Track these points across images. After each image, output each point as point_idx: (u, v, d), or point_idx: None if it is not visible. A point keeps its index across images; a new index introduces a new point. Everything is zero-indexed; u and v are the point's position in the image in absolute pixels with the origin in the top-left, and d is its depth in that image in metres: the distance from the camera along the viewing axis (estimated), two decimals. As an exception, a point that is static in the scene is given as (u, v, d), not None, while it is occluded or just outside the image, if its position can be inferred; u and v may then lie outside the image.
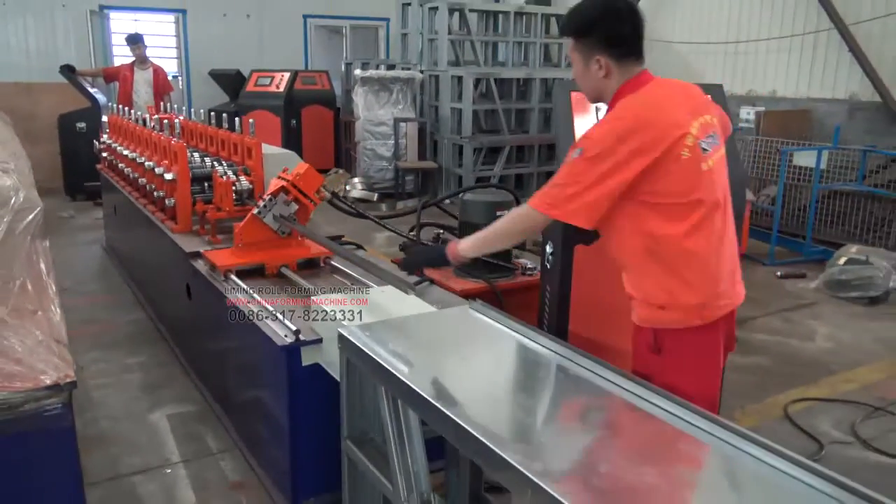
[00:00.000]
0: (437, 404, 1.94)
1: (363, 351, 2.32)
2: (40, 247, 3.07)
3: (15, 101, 9.18)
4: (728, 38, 9.62)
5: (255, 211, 3.62)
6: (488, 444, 1.73)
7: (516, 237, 2.39)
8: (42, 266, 2.96)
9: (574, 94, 3.13)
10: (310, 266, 3.67)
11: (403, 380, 2.08)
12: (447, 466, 2.81)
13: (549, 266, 3.16)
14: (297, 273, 3.52)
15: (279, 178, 3.60)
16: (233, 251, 3.64)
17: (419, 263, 2.47)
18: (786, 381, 4.29)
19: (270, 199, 3.59)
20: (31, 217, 2.94)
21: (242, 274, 3.46)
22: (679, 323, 2.16)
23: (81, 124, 9.00)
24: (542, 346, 2.35)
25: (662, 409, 1.90)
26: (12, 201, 2.91)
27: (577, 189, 2.07)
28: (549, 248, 3.18)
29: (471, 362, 2.31)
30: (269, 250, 3.62)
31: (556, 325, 2.99)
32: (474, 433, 1.78)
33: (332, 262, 3.69)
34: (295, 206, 3.63)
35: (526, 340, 2.40)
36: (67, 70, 8.95)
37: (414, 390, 2.03)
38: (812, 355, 4.73)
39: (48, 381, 2.22)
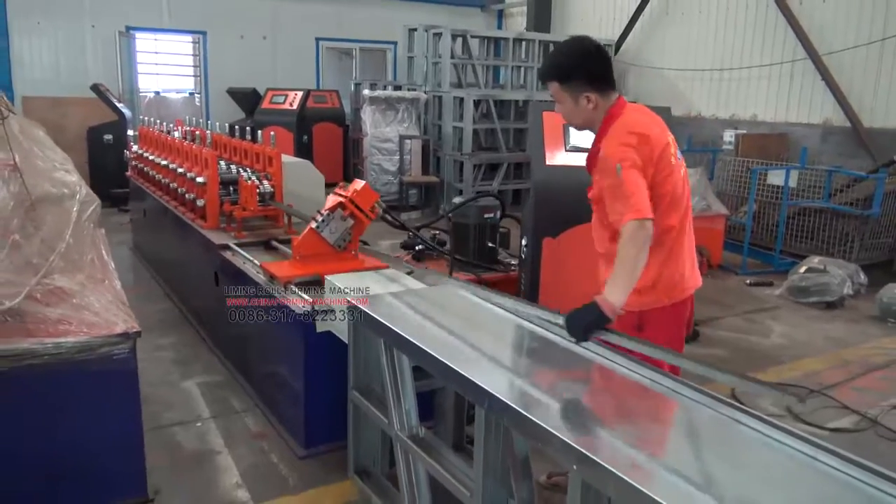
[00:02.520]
0: (421, 346, 2.53)
1: (367, 313, 2.92)
2: (99, 233, 3.68)
3: (46, 114, 9.87)
4: (713, 65, 10.28)
5: (313, 225, 3.83)
6: (458, 370, 2.33)
7: (642, 254, 2.39)
8: (102, 248, 3.57)
9: (546, 114, 3.75)
10: None
11: (397, 331, 2.68)
12: (435, 423, 3.39)
13: (524, 256, 3.77)
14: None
15: (336, 194, 3.83)
16: (291, 263, 3.85)
17: (582, 330, 2.43)
18: (738, 368, 4.82)
19: (328, 215, 3.79)
20: (92, 208, 3.56)
21: (301, 285, 3.61)
22: (658, 303, 2.62)
23: (108, 136, 9.70)
24: (508, 309, 2.94)
25: (594, 352, 2.49)
26: (78, 195, 3.54)
27: (640, 190, 2.41)
28: (524, 242, 3.79)
29: (450, 320, 2.89)
30: (327, 263, 3.74)
31: (530, 300, 3.58)
32: (448, 363, 2.38)
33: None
34: (351, 222, 3.82)
35: (493, 307, 2.99)
36: None
37: (403, 337, 2.63)
38: (766, 349, 5.30)
39: (119, 330, 2.82)
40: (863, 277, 6.50)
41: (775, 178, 7.74)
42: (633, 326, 2.62)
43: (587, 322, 2.41)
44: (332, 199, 3.82)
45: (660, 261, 2.57)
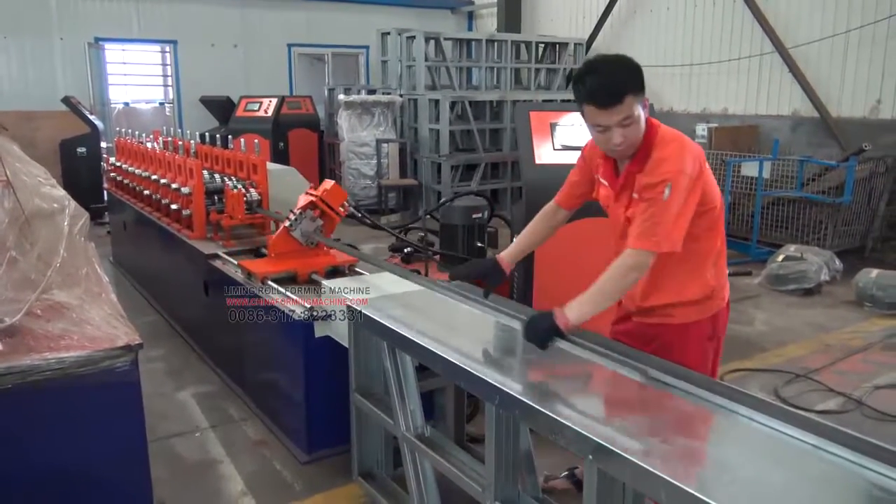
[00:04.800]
0: (426, 345, 2.57)
1: (367, 315, 2.95)
2: (90, 246, 3.66)
3: (16, 129, 9.72)
4: (683, 60, 10.46)
5: (286, 224, 4.00)
6: (466, 368, 2.37)
7: (629, 286, 2.41)
8: (94, 261, 3.55)
9: (533, 114, 3.81)
10: (336, 273, 3.99)
11: (400, 331, 2.72)
12: (436, 423, 3.43)
13: (515, 255, 3.81)
14: (326, 279, 3.90)
15: (307, 194, 3.99)
16: (267, 261, 4.06)
17: (537, 338, 2.44)
18: (725, 356, 4.87)
19: (300, 214, 3.96)
20: (82, 222, 3.53)
21: (277, 281, 3.80)
22: (718, 307, 2.59)
23: (82, 149, 9.59)
24: (498, 310, 2.96)
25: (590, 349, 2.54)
26: (67, 209, 3.52)
27: (674, 220, 2.29)
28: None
29: (447, 320, 2.93)
30: (300, 259, 3.98)
31: (523, 301, 3.63)
32: (455, 361, 2.42)
33: (357, 270, 4.06)
34: (321, 221, 4.02)
35: (478, 308, 3.00)
36: None
37: (408, 338, 2.67)
38: (750, 337, 5.42)
39: (121, 343, 2.81)
40: (838, 264, 6.68)
41: (749, 169, 7.91)
42: (708, 336, 2.61)
43: (541, 331, 2.42)
44: (303, 199, 3.98)
45: (706, 272, 2.53)
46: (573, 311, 2.36)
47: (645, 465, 1.72)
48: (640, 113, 2.35)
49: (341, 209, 3.99)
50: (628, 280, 2.36)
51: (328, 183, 4.01)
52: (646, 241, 2.31)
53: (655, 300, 2.57)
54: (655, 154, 2.37)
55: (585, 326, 2.54)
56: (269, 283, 3.80)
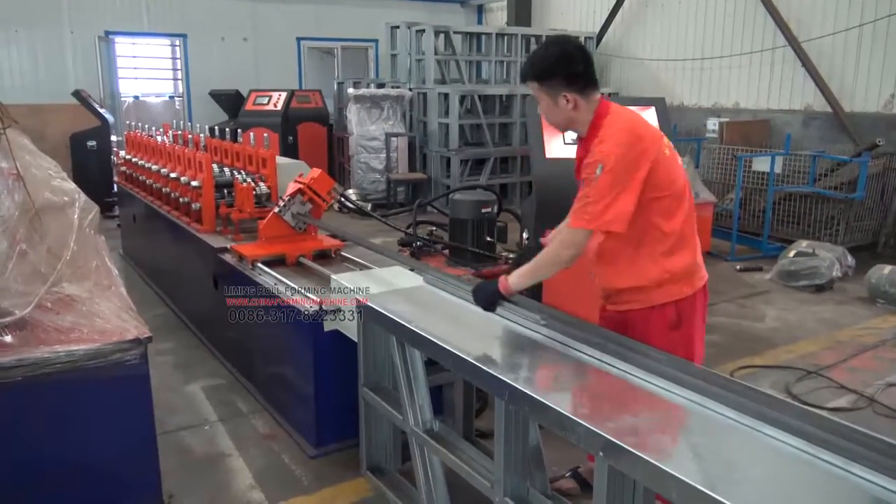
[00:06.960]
0: (435, 340, 2.56)
1: (377, 311, 2.94)
2: (99, 240, 3.66)
3: (25, 121, 9.72)
4: (694, 55, 10.37)
5: (276, 210, 4.24)
6: (476, 363, 2.36)
7: (566, 263, 2.53)
8: (104, 254, 3.56)
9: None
10: (323, 257, 4.27)
11: (410, 326, 2.71)
12: (444, 418, 3.42)
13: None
14: (313, 262, 4.13)
15: (296, 181, 4.22)
16: (257, 244, 4.25)
17: (483, 301, 2.73)
18: (736, 353, 4.93)
19: (289, 200, 4.20)
20: (91, 215, 3.54)
21: (266, 263, 4.05)
22: (681, 293, 2.62)
23: (92, 142, 9.60)
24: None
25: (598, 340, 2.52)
26: (77, 202, 3.52)
27: (608, 200, 2.40)
28: (525, 235, 3.83)
29: (456, 315, 2.91)
30: (289, 243, 4.22)
31: (532, 296, 3.61)
32: (464, 356, 2.41)
33: (343, 254, 4.30)
34: (309, 206, 4.25)
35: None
36: None
37: (418, 333, 2.66)
38: (760, 333, 5.38)
39: (130, 337, 2.82)
40: (850, 260, 6.62)
41: (760, 164, 7.84)
42: (671, 324, 2.64)
43: (487, 295, 2.72)
44: (292, 186, 4.20)
45: (659, 257, 2.58)
46: (513, 279, 2.64)
47: (656, 463, 1.71)
48: (552, 100, 2.56)
49: (328, 196, 4.22)
50: (563, 256, 2.53)
51: (315, 171, 4.23)
52: (578, 219, 2.48)
53: (616, 284, 2.68)
54: (599, 135, 2.52)
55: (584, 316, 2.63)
56: (259, 265, 4.00)
